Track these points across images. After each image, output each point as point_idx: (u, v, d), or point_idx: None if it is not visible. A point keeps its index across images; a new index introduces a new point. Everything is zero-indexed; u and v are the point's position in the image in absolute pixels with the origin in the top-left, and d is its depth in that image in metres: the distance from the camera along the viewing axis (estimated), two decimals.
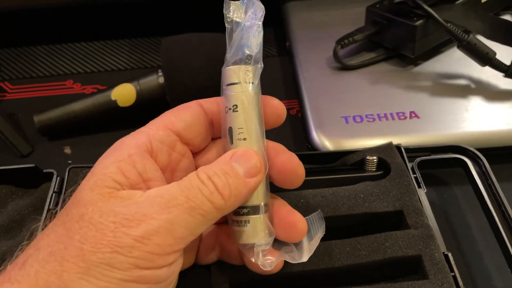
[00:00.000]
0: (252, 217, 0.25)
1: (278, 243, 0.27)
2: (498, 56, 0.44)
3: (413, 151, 0.38)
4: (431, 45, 0.48)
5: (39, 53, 0.56)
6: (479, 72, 0.46)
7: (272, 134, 0.27)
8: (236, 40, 0.25)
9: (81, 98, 0.45)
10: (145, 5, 0.61)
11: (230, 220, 0.26)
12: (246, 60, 0.25)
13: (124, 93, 0.44)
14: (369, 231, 0.31)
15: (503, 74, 0.45)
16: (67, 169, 0.36)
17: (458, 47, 0.44)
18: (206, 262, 0.29)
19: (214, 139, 0.28)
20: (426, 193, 0.35)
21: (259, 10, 0.25)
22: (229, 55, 0.26)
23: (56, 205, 0.34)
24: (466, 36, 0.43)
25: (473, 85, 0.46)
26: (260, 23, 0.25)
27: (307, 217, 0.27)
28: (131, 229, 0.21)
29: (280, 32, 0.57)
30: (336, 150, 0.40)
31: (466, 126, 0.42)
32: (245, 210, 0.25)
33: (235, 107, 0.25)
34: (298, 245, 0.27)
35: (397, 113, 0.43)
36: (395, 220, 0.33)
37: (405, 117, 0.43)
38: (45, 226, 0.24)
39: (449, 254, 0.30)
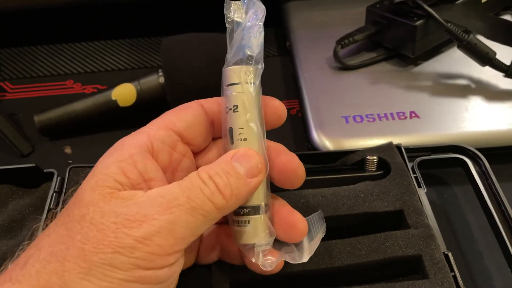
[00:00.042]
0: (253, 217, 0.25)
1: (278, 243, 0.27)
2: (498, 56, 0.44)
3: (413, 151, 0.38)
4: (431, 45, 0.48)
5: (39, 53, 0.56)
6: (479, 72, 0.46)
7: (272, 134, 0.27)
8: (236, 40, 0.25)
9: (81, 98, 0.45)
10: (145, 5, 0.61)
11: (231, 220, 0.26)
12: (247, 60, 0.25)
13: (124, 93, 0.44)
14: (369, 230, 0.31)
15: (503, 74, 0.45)
16: (68, 169, 0.36)
17: (458, 47, 0.44)
18: (207, 262, 0.29)
19: (214, 139, 0.28)
20: (426, 193, 0.35)
21: (260, 11, 0.25)
22: (229, 55, 0.26)
23: (57, 205, 0.34)
24: (466, 36, 0.43)
25: (473, 85, 0.46)
26: (261, 23, 0.25)
27: (308, 217, 0.27)
28: (132, 230, 0.21)
29: (281, 32, 0.57)
30: (337, 150, 0.40)
31: (466, 126, 0.42)
32: (245, 210, 0.25)
33: (235, 107, 0.25)
34: (298, 245, 0.27)
35: (397, 113, 0.43)
36: (395, 220, 0.33)
37: (405, 117, 0.43)
38: (46, 225, 0.24)
39: (449, 254, 0.30)
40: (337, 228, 0.31)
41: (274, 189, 0.27)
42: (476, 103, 0.44)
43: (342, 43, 0.47)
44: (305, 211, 0.32)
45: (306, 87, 0.47)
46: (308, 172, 0.28)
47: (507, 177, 0.39)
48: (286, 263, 0.27)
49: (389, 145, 0.37)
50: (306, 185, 0.29)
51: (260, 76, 0.25)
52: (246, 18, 0.26)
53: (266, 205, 0.26)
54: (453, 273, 0.29)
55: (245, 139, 0.25)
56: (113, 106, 0.44)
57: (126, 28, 0.59)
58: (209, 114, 0.27)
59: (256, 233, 0.25)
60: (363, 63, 0.49)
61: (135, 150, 0.24)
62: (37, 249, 0.22)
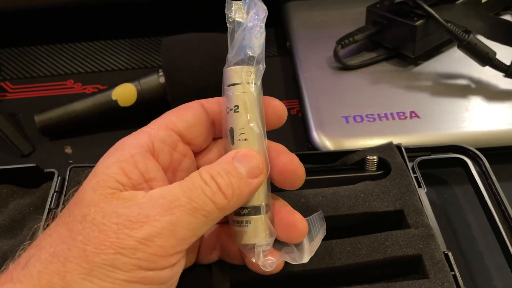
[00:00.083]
0: (253, 218, 0.25)
1: (278, 244, 0.27)
2: (498, 56, 0.44)
3: (414, 151, 0.38)
4: (432, 45, 0.48)
5: (40, 53, 0.56)
6: (479, 72, 0.46)
7: (272, 134, 0.27)
8: (237, 40, 0.25)
9: (81, 98, 0.45)
10: (146, 5, 0.61)
11: (231, 221, 0.26)
12: (248, 60, 0.25)
13: (124, 93, 0.44)
14: (369, 230, 0.31)
15: (503, 74, 0.45)
16: (68, 169, 0.36)
17: (458, 47, 0.44)
18: (207, 262, 0.29)
19: (215, 139, 0.28)
20: (426, 192, 0.35)
21: (262, 11, 0.25)
22: (230, 55, 0.26)
23: (57, 204, 0.34)
24: (467, 36, 0.43)
25: (473, 85, 0.46)
26: (263, 24, 0.25)
27: (308, 217, 0.27)
28: (134, 231, 0.21)
29: (281, 32, 0.57)
30: (337, 150, 0.40)
31: (466, 126, 0.42)
32: (246, 211, 0.25)
33: (236, 107, 0.25)
34: (298, 245, 0.27)
35: (398, 113, 0.43)
36: (395, 220, 0.33)
37: (406, 117, 0.43)
38: (47, 225, 0.24)
39: (449, 254, 0.30)
40: (337, 228, 0.31)
41: (274, 189, 0.27)
42: (476, 103, 0.44)
43: (342, 43, 0.47)
44: (305, 211, 0.32)
45: (306, 87, 0.47)
46: (308, 172, 0.28)
47: (507, 177, 0.39)
48: (286, 262, 0.27)
49: (389, 145, 0.37)
50: (306, 185, 0.29)
51: (261, 76, 0.25)
52: (247, 18, 0.26)
53: (266, 205, 0.26)
54: (453, 273, 0.29)
55: (246, 140, 0.25)
56: (114, 106, 0.44)
57: (126, 28, 0.59)
58: (209, 114, 0.27)
59: (256, 233, 0.25)
60: (363, 63, 0.49)
61: (136, 150, 0.24)
62: (38, 249, 0.22)
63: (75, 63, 0.55)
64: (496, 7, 0.53)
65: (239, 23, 0.26)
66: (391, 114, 0.43)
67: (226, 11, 0.26)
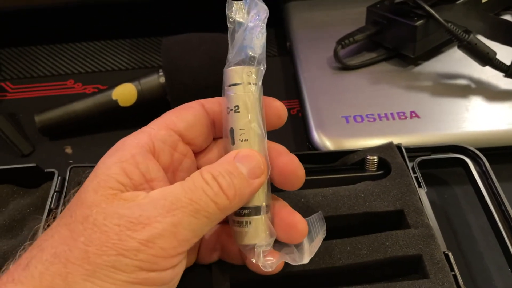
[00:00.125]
0: (253, 218, 0.25)
1: (278, 244, 0.27)
2: (498, 56, 0.44)
3: (414, 151, 0.38)
4: (432, 45, 0.48)
5: (40, 53, 0.56)
6: (479, 72, 0.46)
7: (272, 134, 0.27)
8: (238, 40, 0.25)
9: (82, 98, 0.45)
10: (146, 5, 0.61)
11: (231, 221, 0.26)
12: (248, 61, 0.25)
13: (125, 93, 0.44)
14: (369, 230, 0.31)
15: (503, 74, 0.45)
16: (68, 169, 0.36)
17: (459, 47, 0.44)
18: (207, 262, 0.29)
19: (215, 139, 0.28)
20: (426, 192, 0.35)
21: (263, 12, 0.25)
22: (231, 55, 0.26)
23: (58, 204, 0.34)
24: (467, 36, 0.43)
25: (473, 85, 0.46)
26: (264, 24, 0.25)
27: (308, 218, 0.27)
28: (136, 233, 0.21)
29: (281, 32, 0.57)
30: (337, 150, 0.40)
31: (467, 126, 0.42)
32: (246, 211, 0.25)
33: (236, 108, 0.25)
34: (298, 246, 0.27)
35: (398, 113, 0.43)
36: (395, 220, 0.33)
37: (406, 117, 0.43)
38: (48, 225, 0.24)
39: (450, 254, 0.30)
40: (338, 228, 0.30)
41: (274, 188, 0.27)
42: (476, 103, 0.44)
43: (343, 43, 0.47)
44: (306, 211, 0.32)
45: (307, 87, 0.47)
46: (309, 172, 0.28)
47: (507, 177, 0.39)
48: (286, 262, 0.27)
49: (389, 145, 0.37)
50: (307, 185, 0.29)
51: (262, 77, 0.25)
52: (248, 19, 0.26)
53: (267, 205, 0.26)
54: (453, 273, 0.29)
55: (246, 140, 0.25)
56: (114, 106, 0.44)
57: (126, 28, 0.59)
58: (210, 114, 0.27)
59: (256, 233, 0.25)
60: (363, 63, 0.49)
61: (137, 150, 0.24)
62: (39, 250, 0.22)
63: (75, 63, 0.55)
64: (496, 7, 0.53)
65: (240, 23, 0.26)
66: (391, 114, 0.43)
67: (226, 11, 0.26)
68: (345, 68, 0.48)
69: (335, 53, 0.48)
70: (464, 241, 0.36)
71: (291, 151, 0.27)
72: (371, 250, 0.30)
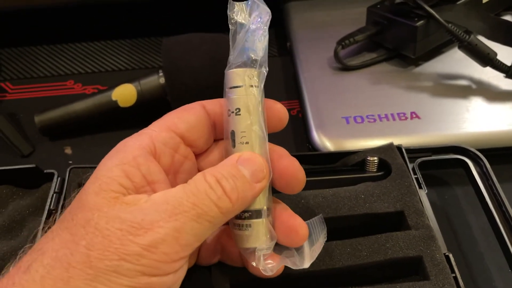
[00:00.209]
0: (254, 221, 0.25)
1: (278, 247, 0.26)
2: (499, 57, 0.44)
3: (414, 152, 0.38)
4: (432, 45, 0.48)
5: (40, 53, 0.56)
6: (480, 72, 0.46)
7: (272, 134, 0.27)
8: (240, 42, 0.25)
9: (82, 99, 0.45)
10: (146, 5, 0.61)
11: (232, 224, 0.26)
12: (250, 63, 0.25)
13: (125, 94, 0.44)
14: (370, 231, 0.31)
15: (504, 75, 0.45)
16: (68, 170, 0.36)
17: (459, 47, 0.44)
18: (207, 264, 0.29)
19: (216, 140, 0.28)
20: (427, 193, 0.35)
21: (265, 14, 0.25)
22: (232, 57, 0.25)
23: (57, 205, 0.34)
24: (467, 36, 0.43)
25: (474, 86, 0.46)
26: (266, 27, 0.25)
27: (308, 221, 0.27)
28: (138, 238, 0.21)
29: (281, 32, 0.57)
30: (337, 150, 0.40)
31: (467, 126, 0.42)
32: (247, 214, 0.25)
33: (237, 110, 0.25)
34: (299, 249, 0.26)
35: (398, 114, 0.43)
36: (396, 221, 0.33)
37: (406, 118, 0.43)
38: (48, 227, 0.24)
39: (450, 255, 0.30)
40: (338, 229, 0.30)
41: (274, 189, 0.27)
42: (477, 103, 0.44)
43: (343, 43, 0.47)
44: (306, 212, 0.32)
45: (307, 87, 0.47)
46: (309, 173, 0.28)
47: (507, 178, 0.39)
48: None
49: (389, 146, 0.37)
50: (307, 186, 0.28)
51: (264, 79, 0.25)
52: (250, 20, 0.25)
53: (268, 209, 0.25)
54: (454, 274, 0.29)
55: (247, 143, 0.25)
56: (114, 107, 0.44)
57: (126, 29, 0.59)
58: (211, 115, 0.27)
59: (257, 237, 0.25)
60: (363, 64, 0.49)
61: (138, 152, 0.24)
62: (40, 253, 0.21)
63: (75, 64, 0.55)
64: (497, 8, 0.53)
65: (242, 25, 0.25)
66: (392, 114, 0.43)
67: (228, 12, 0.26)
68: (346, 68, 0.48)
69: (336, 54, 0.47)
70: (464, 242, 0.36)
71: (291, 151, 0.27)
72: (372, 252, 0.30)
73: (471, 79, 0.47)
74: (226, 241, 0.28)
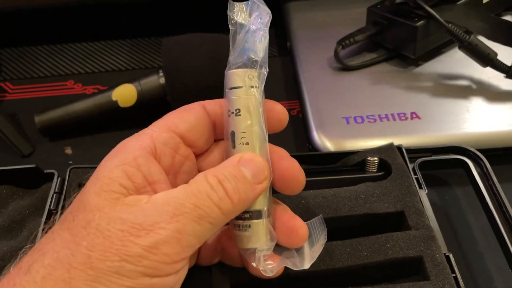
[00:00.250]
0: (254, 222, 0.25)
1: (279, 248, 0.26)
2: (499, 57, 0.44)
3: (414, 152, 0.38)
4: (432, 45, 0.48)
5: (40, 53, 0.56)
6: (480, 73, 0.46)
7: (273, 135, 0.27)
8: (240, 43, 0.25)
9: (82, 99, 0.45)
10: (146, 5, 0.61)
11: (232, 224, 0.26)
12: (250, 64, 0.25)
13: (125, 94, 0.44)
14: (370, 232, 0.31)
15: (504, 75, 0.45)
16: (68, 170, 0.36)
17: (459, 47, 0.44)
18: (207, 264, 0.29)
19: (216, 140, 0.28)
20: (427, 194, 0.35)
21: (265, 15, 0.25)
22: (232, 57, 0.25)
23: (57, 205, 0.34)
24: (467, 36, 0.43)
25: (474, 86, 0.46)
26: (266, 28, 0.25)
27: (308, 221, 0.27)
28: (140, 239, 0.21)
29: (281, 32, 0.57)
30: (337, 151, 0.40)
31: (467, 127, 0.42)
32: (247, 215, 0.25)
33: (237, 111, 0.25)
34: (299, 250, 0.26)
35: (398, 114, 0.43)
36: (396, 221, 0.33)
37: (406, 118, 0.43)
38: (49, 228, 0.24)
39: (450, 255, 0.30)
40: (338, 229, 0.30)
41: (274, 190, 0.27)
42: (477, 104, 0.44)
43: (343, 43, 0.47)
44: (306, 212, 0.32)
45: (307, 87, 0.47)
46: (309, 173, 0.28)
47: (508, 178, 0.39)
48: None
49: (390, 146, 0.37)
50: (307, 186, 0.28)
51: (264, 80, 0.25)
52: (250, 21, 0.25)
53: (268, 209, 0.25)
54: (454, 275, 0.29)
55: (247, 143, 0.25)
56: (114, 107, 0.44)
57: (126, 29, 0.59)
58: (211, 115, 0.27)
59: (257, 237, 0.25)
60: (364, 64, 0.49)
61: (139, 152, 0.24)
62: (41, 254, 0.21)
63: (76, 64, 0.55)
64: (497, 8, 0.53)
65: (242, 25, 0.25)
66: (392, 115, 0.43)
67: (228, 13, 0.26)
68: (346, 68, 0.48)
69: (336, 54, 0.47)
70: (464, 242, 0.36)
71: (291, 152, 0.27)
72: (372, 252, 0.30)
73: (471, 79, 0.47)
74: (226, 241, 0.28)
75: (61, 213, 0.26)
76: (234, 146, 0.25)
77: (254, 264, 0.25)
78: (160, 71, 0.44)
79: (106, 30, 0.58)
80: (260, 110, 0.25)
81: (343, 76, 0.48)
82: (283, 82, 0.52)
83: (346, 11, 0.55)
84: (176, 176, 0.26)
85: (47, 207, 0.34)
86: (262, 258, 0.25)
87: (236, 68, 0.25)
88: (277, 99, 0.27)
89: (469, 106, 0.44)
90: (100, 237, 0.21)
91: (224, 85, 0.26)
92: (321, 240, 0.27)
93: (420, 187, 0.35)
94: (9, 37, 0.58)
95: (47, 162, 0.41)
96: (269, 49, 0.55)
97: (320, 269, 0.29)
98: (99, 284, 0.20)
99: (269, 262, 0.25)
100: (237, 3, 0.26)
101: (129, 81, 0.44)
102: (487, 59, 0.44)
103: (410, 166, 0.36)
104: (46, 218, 0.33)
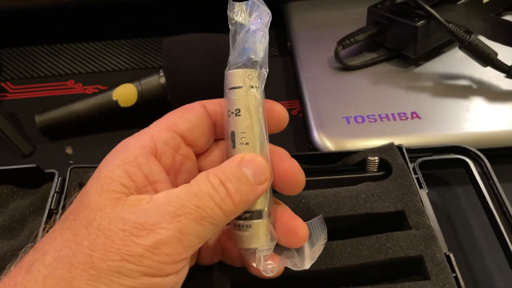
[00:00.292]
0: (255, 222, 0.25)
1: (279, 248, 0.26)
2: (499, 57, 0.44)
3: (415, 152, 0.38)
4: (433, 45, 0.48)
5: (40, 53, 0.56)
6: (480, 72, 0.46)
7: (273, 134, 0.27)
8: (240, 43, 0.25)
9: (82, 98, 0.45)
10: (146, 5, 0.61)
11: (232, 224, 0.26)
12: (250, 64, 0.25)
13: (125, 93, 0.44)
14: (370, 231, 0.31)
15: (505, 75, 0.45)
16: (69, 169, 0.36)
17: (460, 47, 0.44)
18: (208, 263, 0.29)
19: (216, 140, 0.28)
20: (427, 193, 0.35)
21: (265, 15, 0.25)
22: (232, 58, 0.25)
23: (58, 205, 0.34)
24: (468, 36, 0.43)
25: (474, 86, 0.46)
26: (267, 29, 0.25)
27: (308, 221, 0.27)
28: (141, 239, 0.21)
29: (281, 32, 0.57)
30: (338, 150, 0.40)
31: (468, 126, 0.42)
32: (247, 215, 0.25)
33: (237, 111, 0.25)
34: (299, 250, 0.26)
35: (399, 114, 0.43)
36: (396, 221, 0.33)
37: (407, 118, 0.43)
38: (50, 227, 0.24)
39: (451, 255, 0.30)
40: (338, 229, 0.30)
41: (275, 190, 0.27)
42: (477, 103, 0.44)
43: (343, 43, 0.47)
44: (306, 212, 0.32)
45: (307, 87, 0.47)
46: (309, 173, 0.28)
47: (508, 178, 0.39)
48: None
49: (390, 146, 0.37)
50: (307, 186, 0.28)
51: (264, 80, 0.25)
52: (250, 21, 0.25)
53: (268, 209, 0.25)
54: (454, 274, 0.29)
55: (247, 144, 0.25)
56: (114, 107, 0.44)
57: (127, 29, 0.59)
58: (211, 115, 0.27)
59: (258, 237, 0.25)
60: (364, 64, 0.49)
61: (139, 152, 0.24)
62: (42, 253, 0.21)
63: (76, 64, 0.55)
64: (498, 8, 0.53)
65: (242, 25, 0.25)
66: (392, 114, 0.43)
67: (228, 13, 0.26)
68: (346, 68, 0.48)
69: (336, 53, 0.47)
70: (465, 242, 0.36)
71: (291, 151, 0.27)
72: (372, 251, 0.30)
73: (471, 79, 0.47)
74: (226, 241, 0.28)
75: (62, 213, 0.26)
76: (234, 146, 0.25)
77: (254, 264, 0.25)
78: (161, 71, 0.44)
79: (107, 30, 0.58)
80: (260, 110, 0.25)
81: (344, 76, 0.48)
82: (283, 82, 0.52)
83: (346, 11, 0.55)
84: (176, 176, 0.26)
85: (47, 207, 0.34)
86: (262, 258, 0.25)
87: (236, 68, 0.25)
88: (277, 99, 0.27)
89: (469, 105, 0.44)
90: (101, 237, 0.21)
91: (224, 85, 0.26)
92: (322, 240, 0.27)
93: (421, 187, 0.35)
94: (9, 37, 0.58)
95: (48, 162, 0.41)
96: (270, 49, 0.55)
97: (321, 269, 0.29)
98: (100, 284, 0.20)
99: (269, 262, 0.25)
100: (237, 3, 0.26)
101: (130, 81, 0.44)
102: (488, 59, 0.44)
103: (411, 165, 0.36)
104: (47, 218, 0.33)
